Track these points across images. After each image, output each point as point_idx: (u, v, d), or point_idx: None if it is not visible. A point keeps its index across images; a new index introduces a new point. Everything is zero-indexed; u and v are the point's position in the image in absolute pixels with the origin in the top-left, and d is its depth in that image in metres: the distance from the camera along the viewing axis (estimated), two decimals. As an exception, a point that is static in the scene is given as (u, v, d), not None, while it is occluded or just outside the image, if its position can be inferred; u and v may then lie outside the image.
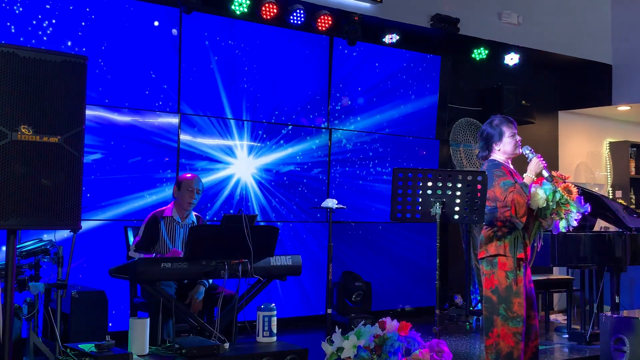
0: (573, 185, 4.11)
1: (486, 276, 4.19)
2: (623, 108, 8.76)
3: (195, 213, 5.03)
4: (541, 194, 4.04)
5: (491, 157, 4.28)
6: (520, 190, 4.06)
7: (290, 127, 6.63)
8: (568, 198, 4.06)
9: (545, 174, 4.11)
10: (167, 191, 5.88)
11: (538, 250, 4.21)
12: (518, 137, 4.26)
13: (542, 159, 4.17)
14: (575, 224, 4.09)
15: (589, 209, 4.14)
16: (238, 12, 6.11)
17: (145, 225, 4.78)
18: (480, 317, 7.14)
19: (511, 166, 4.28)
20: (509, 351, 4.05)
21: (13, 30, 5.24)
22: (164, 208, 4.91)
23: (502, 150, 4.26)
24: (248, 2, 6.08)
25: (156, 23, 5.90)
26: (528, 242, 4.18)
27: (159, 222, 4.79)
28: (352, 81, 7.02)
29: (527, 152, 4.22)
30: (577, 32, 8.16)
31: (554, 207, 4.04)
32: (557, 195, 4.03)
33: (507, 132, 4.24)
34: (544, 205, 4.03)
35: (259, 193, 6.44)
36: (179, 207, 4.88)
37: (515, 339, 4.07)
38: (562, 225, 4.08)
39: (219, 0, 6.11)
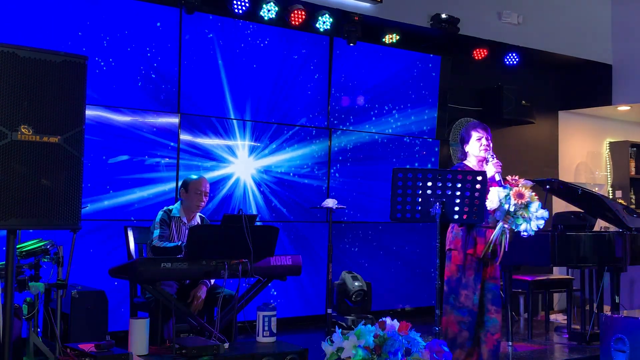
0: (527, 189, 4.24)
1: (445, 268, 4.62)
2: (623, 108, 8.75)
3: (200, 214, 5.02)
4: (492, 197, 4.21)
5: (464, 161, 4.67)
6: None
7: (290, 127, 6.62)
8: (521, 202, 4.21)
9: (497, 177, 4.44)
10: (168, 191, 5.89)
11: (506, 250, 4.32)
12: (486, 142, 4.59)
13: (498, 164, 4.52)
14: (535, 228, 4.25)
15: (547, 216, 4.30)
16: (238, 12, 6.10)
17: (160, 220, 4.76)
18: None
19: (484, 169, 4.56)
20: (453, 337, 4.45)
21: (13, 30, 5.23)
22: (171, 207, 4.90)
23: (470, 153, 4.65)
24: (248, 2, 6.08)
25: (158, 23, 5.90)
26: (481, 240, 4.47)
27: (170, 219, 4.79)
28: (352, 81, 7.02)
29: (488, 156, 4.57)
30: (577, 32, 8.16)
31: (509, 211, 4.22)
32: (510, 200, 4.19)
33: (474, 135, 4.63)
34: (496, 206, 4.21)
35: (257, 193, 6.44)
36: (187, 208, 4.87)
37: (459, 327, 4.48)
38: (522, 228, 4.25)
39: (219, 0, 6.11)
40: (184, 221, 4.84)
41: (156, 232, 4.71)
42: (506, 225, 4.29)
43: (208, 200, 6.05)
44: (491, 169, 4.47)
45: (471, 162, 4.64)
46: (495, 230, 4.35)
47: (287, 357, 4.26)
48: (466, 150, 4.67)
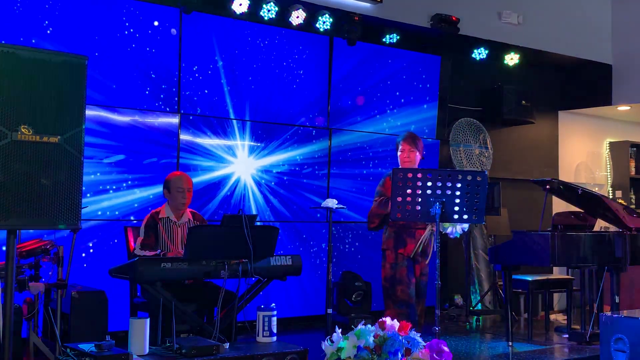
0: None
1: (382, 267, 4.95)
2: (623, 108, 8.75)
3: (190, 209, 5.01)
4: None
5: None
6: (381, 203, 4.85)
7: (290, 127, 6.62)
8: None
9: None
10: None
11: (434, 249, 4.67)
12: (407, 154, 4.90)
13: None
14: (460, 231, 4.72)
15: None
16: (238, 12, 6.10)
17: (145, 226, 4.77)
18: (481, 317, 7.17)
19: None
20: None
21: (13, 30, 5.23)
22: (158, 209, 4.89)
23: (399, 160, 4.96)
24: (248, 2, 6.08)
25: (156, 23, 5.90)
26: (411, 241, 4.81)
27: (157, 222, 4.78)
28: (352, 81, 7.02)
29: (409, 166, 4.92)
30: (577, 32, 8.16)
31: None
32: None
33: (400, 146, 4.95)
34: None
35: (257, 193, 6.44)
36: (173, 208, 4.86)
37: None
38: (449, 230, 4.69)
39: (218, 0, 6.11)
40: (173, 220, 4.84)
41: (139, 240, 4.72)
42: (434, 228, 4.66)
43: (207, 200, 6.08)
44: None
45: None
46: (425, 232, 4.80)
47: (287, 357, 4.25)
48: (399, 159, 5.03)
